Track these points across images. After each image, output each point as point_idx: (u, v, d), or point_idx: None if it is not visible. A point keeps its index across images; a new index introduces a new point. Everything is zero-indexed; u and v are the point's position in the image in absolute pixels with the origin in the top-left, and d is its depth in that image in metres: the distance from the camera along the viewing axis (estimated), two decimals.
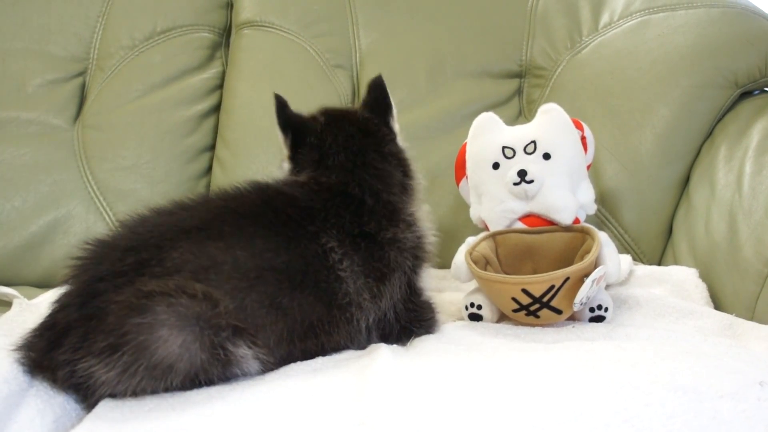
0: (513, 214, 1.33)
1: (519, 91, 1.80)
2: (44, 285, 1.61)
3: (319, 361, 1.00)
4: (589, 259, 1.16)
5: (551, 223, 1.32)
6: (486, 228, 1.38)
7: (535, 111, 1.71)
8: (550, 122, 1.37)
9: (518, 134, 1.37)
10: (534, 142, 1.34)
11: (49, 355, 0.95)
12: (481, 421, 0.79)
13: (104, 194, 1.70)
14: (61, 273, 1.56)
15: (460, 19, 1.80)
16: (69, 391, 0.94)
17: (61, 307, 0.99)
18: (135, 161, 1.72)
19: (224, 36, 1.89)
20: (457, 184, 1.47)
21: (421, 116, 1.71)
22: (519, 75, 1.80)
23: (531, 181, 1.30)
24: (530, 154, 1.33)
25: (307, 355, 1.05)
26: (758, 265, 1.28)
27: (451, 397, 0.84)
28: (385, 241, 1.14)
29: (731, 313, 1.31)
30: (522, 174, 1.31)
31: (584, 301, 1.15)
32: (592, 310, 1.22)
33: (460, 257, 1.30)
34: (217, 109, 1.81)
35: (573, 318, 1.23)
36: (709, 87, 1.61)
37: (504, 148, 1.35)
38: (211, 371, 0.93)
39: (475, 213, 1.41)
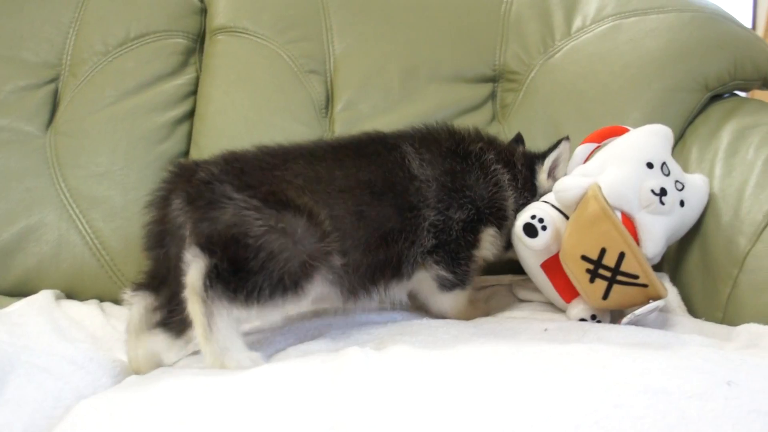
0: (626, 203, 1.30)
1: (493, 96, 1.80)
2: (16, 293, 1.59)
3: (291, 363, 1.00)
4: (663, 288, 1.19)
5: (636, 240, 1.30)
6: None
7: (509, 115, 1.73)
8: (702, 187, 1.40)
9: (679, 171, 1.38)
10: (684, 186, 1.35)
11: (194, 166, 1.20)
12: (453, 424, 0.79)
13: (77, 201, 1.67)
14: (34, 281, 1.59)
15: (434, 25, 1.80)
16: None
17: (216, 156, 1.26)
18: (108, 168, 1.69)
19: (198, 42, 1.87)
20: (582, 142, 1.46)
21: (395, 121, 1.69)
22: (492, 79, 1.80)
23: (663, 204, 1.30)
24: (677, 190, 1.34)
25: (372, 269, 1.25)
26: (728, 267, 1.29)
27: (422, 402, 0.84)
28: (465, 151, 1.38)
29: (702, 315, 1.33)
30: (663, 192, 1.31)
31: (633, 319, 1.18)
32: (593, 317, 1.27)
33: (581, 181, 1.28)
34: (191, 115, 1.79)
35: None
36: (680, 90, 1.63)
37: (667, 164, 1.35)
38: (315, 252, 1.13)
39: (584, 171, 1.36)
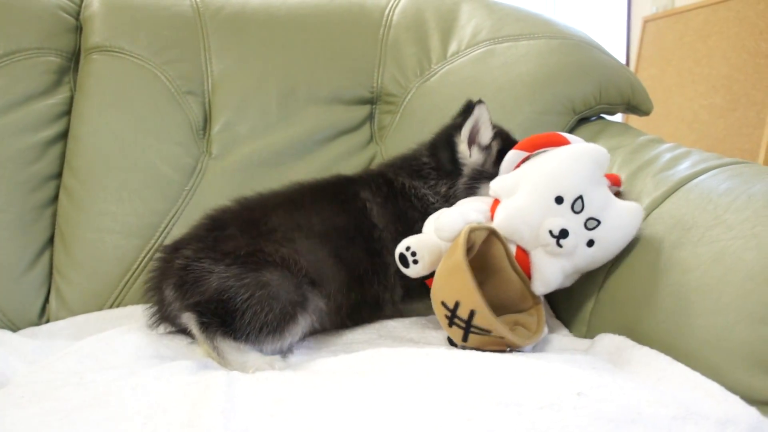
0: (519, 239, 1.25)
1: (370, 117, 1.83)
2: None
3: (153, 395, 0.98)
4: (529, 341, 1.18)
5: (529, 276, 1.27)
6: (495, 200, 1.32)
7: (386, 137, 1.76)
8: (628, 220, 1.25)
9: (603, 200, 1.24)
10: (600, 223, 1.23)
11: (174, 252, 1.30)
12: None
13: None
14: None
15: (313, 47, 1.82)
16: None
17: (194, 227, 1.35)
18: None
19: (73, 60, 1.81)
20: (514, 147, 1.33)
21: (273, 142, 1.71)
22: (370, 101, 1.83)
23: (560, 246, 1.21)
24: (587, 228, 1.23)
25: (353, 308, 1.35)
26: (591, 285, 1.35)
27: (286, 425, 0.85)
28: (398, 190, 1.44)
29: (570, 327, 1.39)
30: (563, 234, 1.20)
31: None
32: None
33: (458, 224, 1.21)
34: (64, 135, 1.74)
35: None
36: (549, 113, 1.70)
37: (583, 198, 1.22)
38: (293, 299, 1.22)
39: (498, 186, 1.30)
